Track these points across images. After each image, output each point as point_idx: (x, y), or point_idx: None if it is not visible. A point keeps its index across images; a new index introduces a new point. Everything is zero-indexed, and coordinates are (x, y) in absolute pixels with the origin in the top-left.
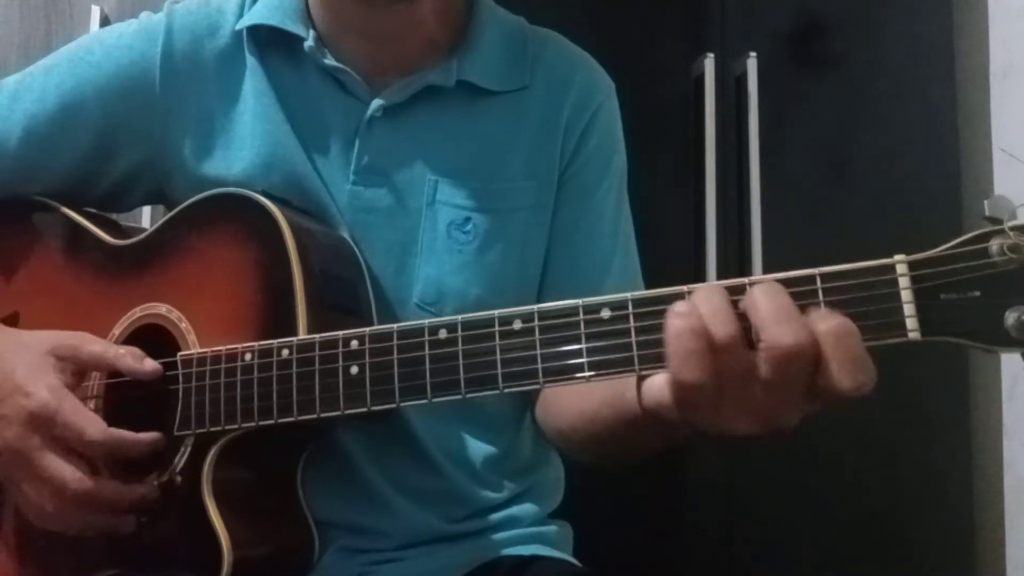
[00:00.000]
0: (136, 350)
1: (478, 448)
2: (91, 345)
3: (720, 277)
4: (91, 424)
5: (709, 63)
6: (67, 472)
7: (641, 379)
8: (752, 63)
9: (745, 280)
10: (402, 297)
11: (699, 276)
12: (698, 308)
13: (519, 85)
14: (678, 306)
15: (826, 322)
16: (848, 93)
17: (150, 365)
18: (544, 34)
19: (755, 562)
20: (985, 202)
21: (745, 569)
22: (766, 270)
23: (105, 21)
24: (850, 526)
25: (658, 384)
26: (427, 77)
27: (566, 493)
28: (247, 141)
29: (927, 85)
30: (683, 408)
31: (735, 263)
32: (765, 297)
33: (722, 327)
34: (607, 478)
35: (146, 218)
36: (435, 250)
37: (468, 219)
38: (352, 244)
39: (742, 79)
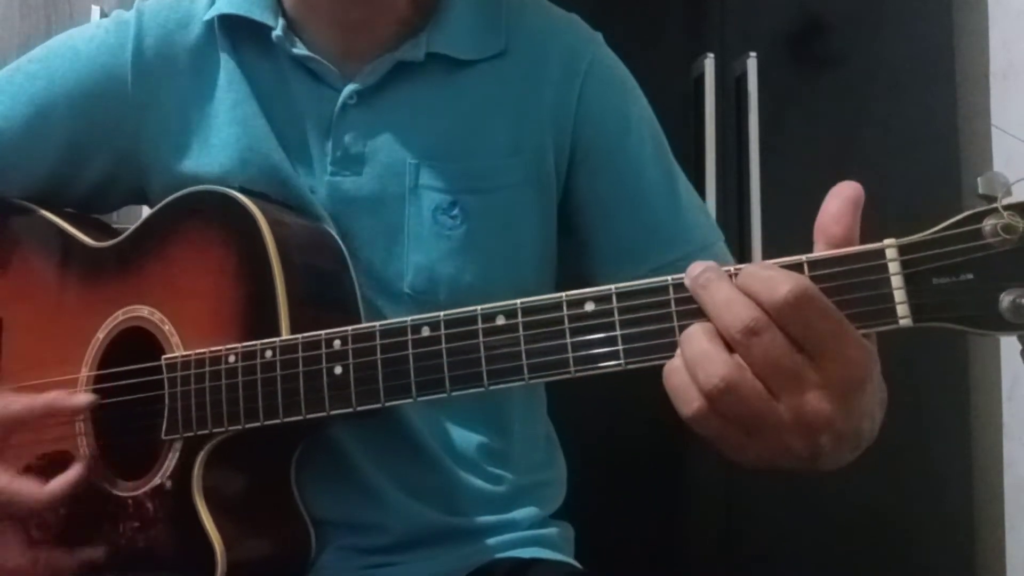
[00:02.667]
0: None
1: (476, 441)
2: (14, 406)
3: None
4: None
5: (709, 63)
6: None
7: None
8: (752, 63)
9: (730, 268)
10: (394, 287)
11: None
12: (684, 357)
13: (495, 51)
14: (669, 364)
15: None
16: (848, 93)
17: (83, 398)
18: None
19: (755, 562)
20: (979, 179)
21: (745, 569)
22: None
23: None
24: (850, 526)
25: None
26: (396, 55)
27: (568, 493)
28: (223, 136)
29: (927, 85)
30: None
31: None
32: (712, 299)
33: (706, 378)
34: (608, 478)
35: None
36: (422, 237)
37: (454, 203)
38: (334, 236)
39: (742, 79)
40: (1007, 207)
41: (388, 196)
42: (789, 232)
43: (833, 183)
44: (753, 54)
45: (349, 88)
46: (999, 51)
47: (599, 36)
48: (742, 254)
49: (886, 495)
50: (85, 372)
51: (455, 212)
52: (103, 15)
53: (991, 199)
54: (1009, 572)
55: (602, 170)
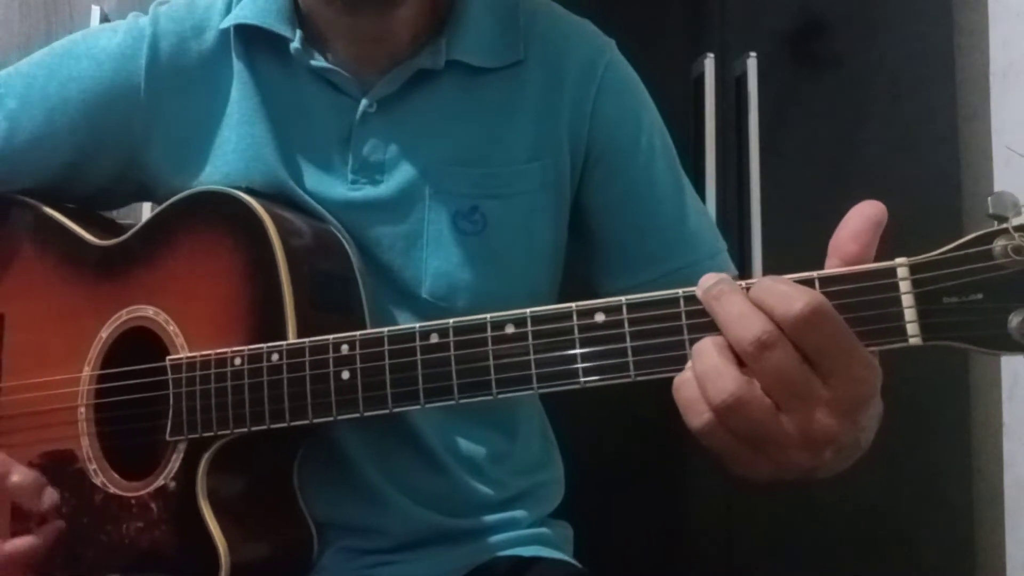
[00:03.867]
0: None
1: (482, 445)
2: None
3: None
4: None
5: (709, 63)
6: None
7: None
8: (752, 63)
9: (742, 282)
10: (412, 292)
11: None
12: (695, 371)
13: (513, 59)
14: (680, 376)
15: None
16: (848, 93)
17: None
18: (535, 2)
19: (755, 561)
20: (989, 199)
21: (745, 568)
22: (766, 270)
23: (105, 21)
24: (850, 526)
25: None
26: (416, 62)
27: (566, 493)
28: (229, 150)
29: (927, 85)
30: (715, 454)
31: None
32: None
33: (716, 393)
34: (607, 478)
35: (147, 214)
36: (441, 243)
37: (475, 208)
38: (339, 236)
39: (742, 79)
40: (1017, 228)
41: (408, 202)
42: (789, 232)
43: (833, 183)
44: (753, 54)
45: (369, 97)
46: (999, 51)
47: (612, 42)
48: (742, 255)
49: (886, 495)
50: (88, 371)
51: (476, 217)
52: (103, 15)
53: (1002, 219)
54: (1009, 572)
55: (613, 175)
